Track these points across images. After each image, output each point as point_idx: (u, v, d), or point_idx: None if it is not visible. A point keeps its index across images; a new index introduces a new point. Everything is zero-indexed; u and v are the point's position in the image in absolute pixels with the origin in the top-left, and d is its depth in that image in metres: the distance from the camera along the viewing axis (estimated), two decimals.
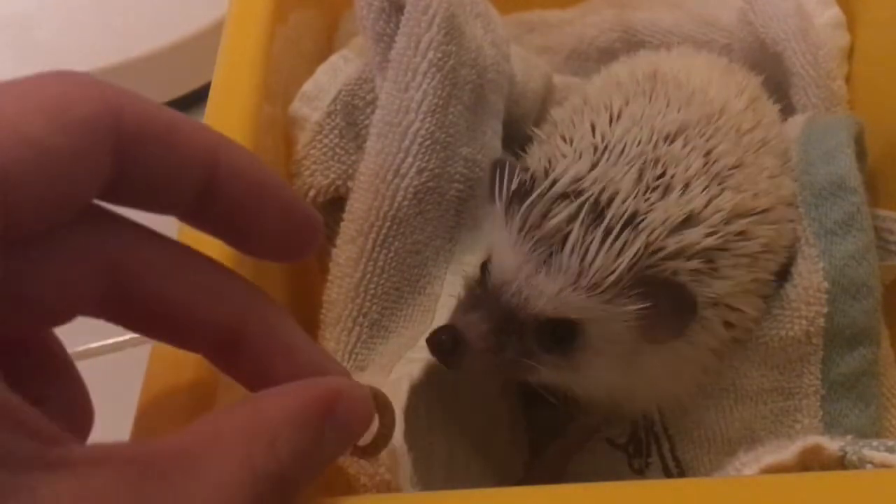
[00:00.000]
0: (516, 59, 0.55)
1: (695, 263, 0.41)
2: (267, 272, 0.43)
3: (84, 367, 0.61)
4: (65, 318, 0.30)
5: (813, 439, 0.35)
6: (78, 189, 0.27)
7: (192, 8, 0.76)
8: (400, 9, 0.47)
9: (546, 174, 0.43)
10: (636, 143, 0.44)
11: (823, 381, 0.44)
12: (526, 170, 0.43)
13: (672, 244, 0.40)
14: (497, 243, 0.42)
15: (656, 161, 0.43)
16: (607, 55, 0.66)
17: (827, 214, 0.45)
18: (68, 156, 0.26)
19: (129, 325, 0.31)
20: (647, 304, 0.40)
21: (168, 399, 0.34)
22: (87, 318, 0.67)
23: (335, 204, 0.50)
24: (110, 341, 0.62)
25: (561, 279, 0.40)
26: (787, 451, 0.35)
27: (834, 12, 0.56)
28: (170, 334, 0.32)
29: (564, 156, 0.45)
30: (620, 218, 0.40)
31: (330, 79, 0.52)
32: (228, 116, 0.44)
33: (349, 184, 0.49)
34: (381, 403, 0.32)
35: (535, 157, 0.49)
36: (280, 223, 0.32)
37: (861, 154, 0.48)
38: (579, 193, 0.41)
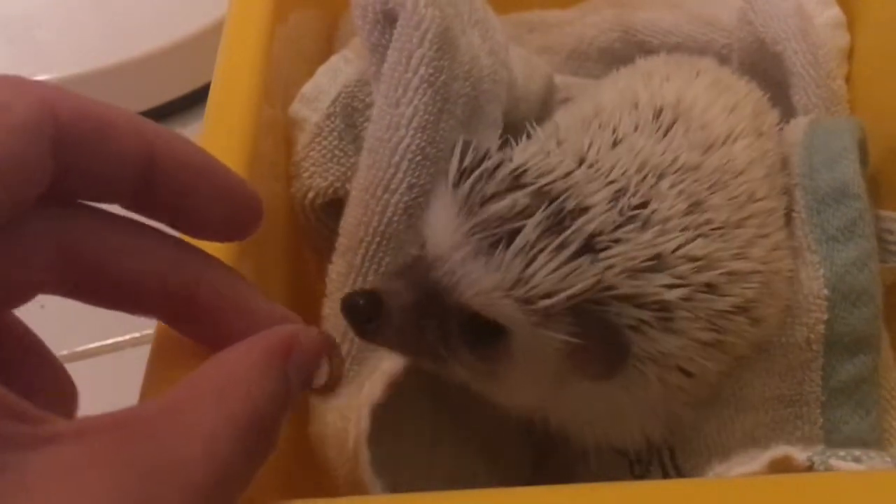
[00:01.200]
0: (517, 61, 0.55)
1: (644, 314, 0.38)
2: (267, 276, 0.43)
3: (84, 367, 0.62)
4: (24, 298, 0.31)
5: (782, 450, 0.35)
6: (23, 190, 0.29)
7: (192, 8, 0.76)
8: (394, 21, 0.47)
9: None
10: (623, 171, 0.41)
11: (823, 387, 0.44)
12: (477, 148, 0.40)
13: (627, 287, 0.37)
14: (436, 217, 0.39)
15: (637, 192, 0.40)
16: (607, 55, 0.66)
17: (829, 221, 0.45)
18: (12, 159, 0.28)
19: (88, 299, 0.33)
20: (577, 339, 0.37)
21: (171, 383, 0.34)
22: (87, 319, 0.67)
23: (334, 206, 0.50)
24: (110, 341, 0.62)
25: (497, 278, 0.37)
26: (757, 461, 0.35)
27: (834, 12, 0.56)
28: (125, 304, 0.34)
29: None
30: (581, 235, 0.37)
31: (329, 80, 0.52)
32: (229, 117, 0.44)
33: (348, 186, 0.49)
34: (329, 345, 0.34)
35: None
36: (221, 206, 0.34)
37: (864, 159, 0.48)
38: (540, 191, 0.38)
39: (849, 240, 0.44)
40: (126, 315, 0.64)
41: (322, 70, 0.53)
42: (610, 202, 0.39)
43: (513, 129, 0.53)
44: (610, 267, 0.37)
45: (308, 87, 0.52)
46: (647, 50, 0.64)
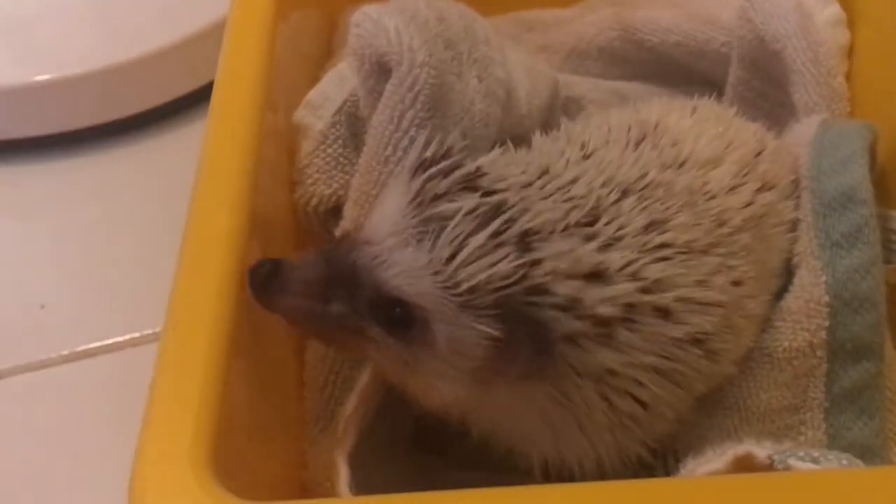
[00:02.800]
0: (522, 76, 0.54)
1: (579, 325, 0.37)
2: None
3: (83, 368, 0.62)
4: None
5: (744, 448, 0.35)
6: None
7: (192, 8, 0.76)
8: (389, 72, 0.46)
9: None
10: (587, 184, 0.40)
11: (827, 393, 0.44)
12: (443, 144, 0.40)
13: (562, 294, 0.36)
14: (382, 206, 0.39)
15: (595, 207, 0.39)
16: (606, 53, 0.66)
17: (834, 226, 0.45)
18: None
19: None
20: (498, 331, 0.36)
21: (177, 393, 0.34)
22: (87, 319, 0.67)
23: (337, 212, 0.50)
24: (110, 341, 0.62)
25: (423, 260, 0.36)
26: (720, 460, 0.35)
27: (834, 10, 0.56)
28: None
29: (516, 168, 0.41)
30: (515, 230, 0.36)
31: (335, 87, 0.52)
32: (232, 121, 0.44)
33: (349, 191, 0.49)
34: None
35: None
36: None
37: (872, 164, 0.47)
38: (489, 193, 0.38)
39: (853, 246, 0.44)
40: (126, 315, 0.64)
41: (328, 77, 0.53)
42: (561, 218, 0.38)
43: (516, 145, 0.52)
44: (537, 263, 0.36)
45: (313, 94, 0.52)
46: (646, 48, 0.64)
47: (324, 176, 0.50)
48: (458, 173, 0.38)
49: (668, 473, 0.44)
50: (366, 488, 0.40)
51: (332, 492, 0.40)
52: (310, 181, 0.50)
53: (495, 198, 0.37)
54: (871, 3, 0.56)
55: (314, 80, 0.54)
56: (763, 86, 0.58)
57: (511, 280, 0.36)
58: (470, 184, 0.38)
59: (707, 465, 0.36)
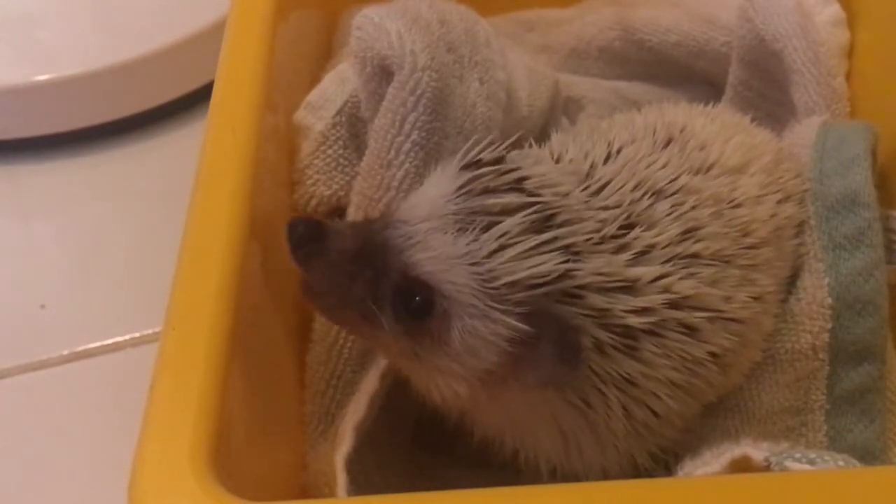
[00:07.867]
0: (523, 77, 0.54)
1: (606, 335, 0.37)
2: (272, 282, 0.43)
3: (83, 368, 0.62)
4: None
5: (741, 450, 0.35)
6: None
7: (192, 8, 0.76)
8: (391, 75, 0.47)
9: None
10: (619, 188, 0.40)
11: (828, 396, 0.44)
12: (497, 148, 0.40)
13: (594, 302, 0.37)
14: (423, 190, 0.39)
15: (629, 215, 0.39)
16: (607, 53, 0.66)
17: (837, 228, 0.45)
18: None
19: None
20: (525, 334, 0.36)
21: (177, 393, 0.34)
22: (87, 319, 0.67)
23: (337, 213, 0.50)
24: (110, 341, 0.62)
25: (462, 248, 0.36)
26: (717, 462, 0.35)
27: (834, 9, 0.56)
28: None
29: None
30: (560, 240, 0.37)
31: (336, 88, 0.52)
32: (232, 121, 0.44)
33: (351, 195, 0.49)
34: None
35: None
36: None
37: (874, 165, 0.47)
38: (534, 195, 0.38)
39: (856, 248, 0.44)
40: (126, 315, 0.64)
41: (329, 78, 0.53)
42: (598, 229, 0.38)
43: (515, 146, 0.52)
44: (578, 272, 0.36)
45: (314, 95, 0.52)
46: (646, 48, 0.64)
47: (324, 177, 0.50)
48: (508, 175, 0.38)
49: (667, 470, 0.44)
50: (366, 489, 0.40)
51: (331, 495, 0.40)
52: (310, 182, 0.50)
53: (542, 204, 0.37)
54: (871, 3, 0.56)
55: (314, 80, 0.54)
56: (763, 86, 0.58)
57: (548, 279, 0.36)
58: (517, 185, 0.38)
59: (704, 467, 0.36)
